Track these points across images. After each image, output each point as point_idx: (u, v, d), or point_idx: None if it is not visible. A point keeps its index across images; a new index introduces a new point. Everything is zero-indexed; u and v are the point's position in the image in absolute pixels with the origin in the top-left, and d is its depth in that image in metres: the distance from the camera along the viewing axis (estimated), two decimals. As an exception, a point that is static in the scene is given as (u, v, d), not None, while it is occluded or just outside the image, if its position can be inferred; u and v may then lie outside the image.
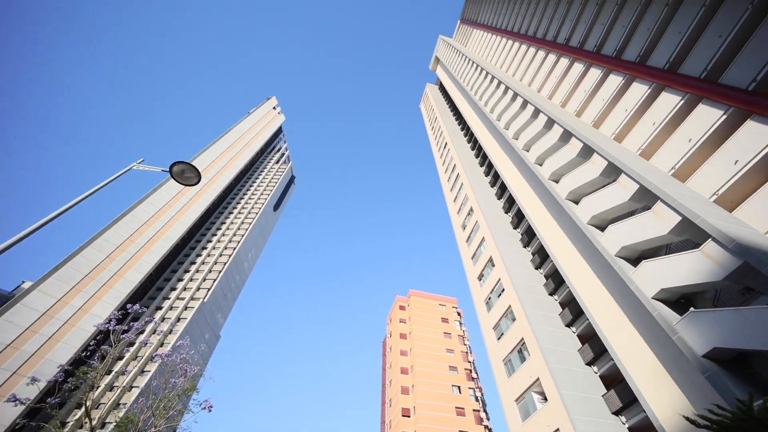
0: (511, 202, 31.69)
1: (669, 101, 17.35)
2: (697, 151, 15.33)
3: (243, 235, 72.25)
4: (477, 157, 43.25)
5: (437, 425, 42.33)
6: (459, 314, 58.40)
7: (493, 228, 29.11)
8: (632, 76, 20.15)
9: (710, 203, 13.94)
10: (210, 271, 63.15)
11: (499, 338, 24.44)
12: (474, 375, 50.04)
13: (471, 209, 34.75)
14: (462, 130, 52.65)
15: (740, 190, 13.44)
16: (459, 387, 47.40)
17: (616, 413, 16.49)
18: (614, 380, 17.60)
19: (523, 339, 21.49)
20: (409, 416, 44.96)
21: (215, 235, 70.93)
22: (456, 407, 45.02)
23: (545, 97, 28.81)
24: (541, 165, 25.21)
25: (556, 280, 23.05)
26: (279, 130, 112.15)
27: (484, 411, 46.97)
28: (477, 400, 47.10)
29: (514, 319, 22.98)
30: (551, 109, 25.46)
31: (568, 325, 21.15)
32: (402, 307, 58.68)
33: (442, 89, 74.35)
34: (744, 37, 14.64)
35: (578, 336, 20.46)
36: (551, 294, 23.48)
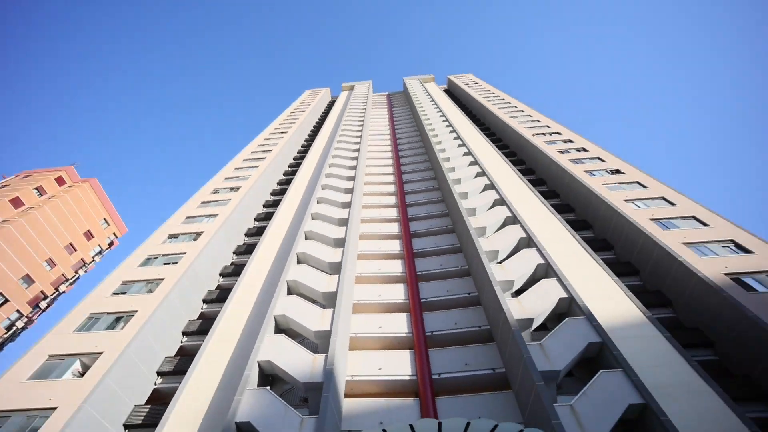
0: (265, 220, 31.63)
1: (399, 292, 22.22)
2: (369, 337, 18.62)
3: None
4: (283, 168, 42.98)
5: None
6: (111, 243, 47.22)
7: (230, 223, 27.58)
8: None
9: (346, 348, 17.52)
10: None
11: (116, 294, 20.59)
12: (43, 304, 38.57)
13: (237, 188, 32.42)
14: (304, 143, 52.71)
15: (357, 344, 18.14)
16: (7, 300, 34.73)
17: (126, 427, 15.49)
18: (160, 399, 16.99)
19: (137, 312, 18.82)
20: None
21: None
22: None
23: (358, 220, 28.02)
24: (305, 237, 24.89)
25: (222, 296, 22.66)
26: None
27: None
28: (10, 329, 35.31)
29: (150, 291, 20.28)
30: (352, 226, 28.61)
31: (184, 333, 20.25)
32: (61, 181, 42.45)
33: (330, 106, 75.35)
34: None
35: (181, 346, 19.68)
36: (206, 301, 22.67)
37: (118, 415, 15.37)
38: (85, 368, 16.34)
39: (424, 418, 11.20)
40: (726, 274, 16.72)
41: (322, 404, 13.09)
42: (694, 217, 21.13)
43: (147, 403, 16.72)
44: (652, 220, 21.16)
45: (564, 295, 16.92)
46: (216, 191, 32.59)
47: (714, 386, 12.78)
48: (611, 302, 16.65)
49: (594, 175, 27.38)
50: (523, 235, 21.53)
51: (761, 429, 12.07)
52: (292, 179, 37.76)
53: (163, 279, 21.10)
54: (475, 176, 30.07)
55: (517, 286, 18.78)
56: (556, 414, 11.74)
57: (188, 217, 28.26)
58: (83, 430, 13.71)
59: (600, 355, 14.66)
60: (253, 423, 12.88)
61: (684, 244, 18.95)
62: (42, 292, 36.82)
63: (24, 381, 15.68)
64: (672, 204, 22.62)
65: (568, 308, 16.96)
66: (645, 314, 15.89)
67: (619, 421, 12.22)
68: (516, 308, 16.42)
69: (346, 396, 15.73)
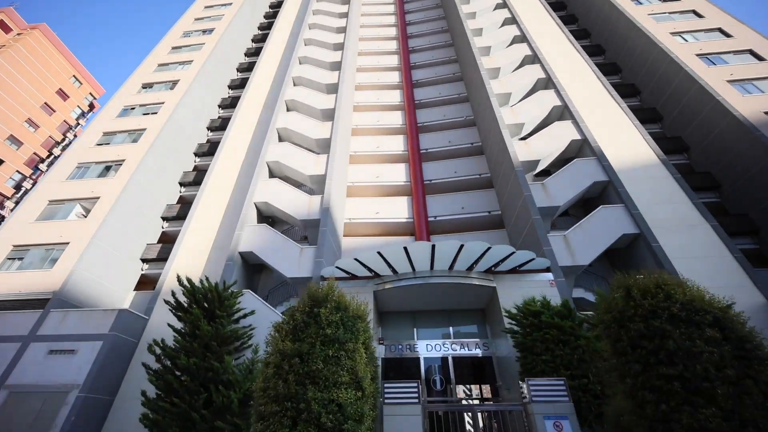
0: (248, 71, 27.92)
1: (398, 143, 20.41)
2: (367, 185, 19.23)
3: None
4: (263, 8, 36.12)
5: None
6: (92, 106, 44.09)
7: (209, 70, 24.19)
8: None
9: (343, 192, 17.36)
10: None
11: (100, 144, 19.56)
12: (43, 167, 38.54)
13: (210, 30, 27.71)
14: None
15: (355, 191, 17.94)
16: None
17: (144, 260, 16.62)
18: (168, 240, 17.81)
19: (125, 161, 18.10)
20: None
21: None
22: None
23: (354, 62, 24.99)
24: (294, 84, 22.75)
25: (213, 149, 21.50)
26: None
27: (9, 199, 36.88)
28: (18, 189, 36.17)
29: (134, 141, 19.15)
30: (345, 70, 24.85)
31: (181, 183, 20.08)
32: (5, 27, 35.95)
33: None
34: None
35: (181, 196, 19.76)
36: (198, 155, 21.81)
37: (133, 251, 16.28)
38: (87, 211, 16.55)
39: (418, 241, 11.38)
40: (766, 113, 14.88)
41: (320, 238, 13.43)
42: (751, 51, 17.88)
43: (158, 242, 17.63)
44: (698, 55, 17.97)
45: (577, 137, 15.58)
46: (186, 34, 27.94)
47: (711, 220, 12.66)
48: (626, 145, 15.40)
49: (640, 3, 22.37)
50: (542, 75, 18.82)
51: (746, 257, 12.46)
52: (273, 22, 31.92)
53: (145, 129, 19.67)
54: (494, 8, 24.95)
55: (527, 130, 17.29)
56: (548, 241, 11.91)
57: (160, 65, 24.87)
58: (98, 260, 14.63)
59: (603, 194, 14.27)
60: (255, 252, 13.50)
61: (728, 81, 16.43)
62: (35, 154, 36.12)
63: (32, 222, 16.11)
64: (728, 36, 18.92)
65: (578, 150, 15.87)
66: (659, 157, 14.84)
67: (609, 249, 12.59)
68: (522, 150, 15.34)
69: (345, 236, 16.29)
